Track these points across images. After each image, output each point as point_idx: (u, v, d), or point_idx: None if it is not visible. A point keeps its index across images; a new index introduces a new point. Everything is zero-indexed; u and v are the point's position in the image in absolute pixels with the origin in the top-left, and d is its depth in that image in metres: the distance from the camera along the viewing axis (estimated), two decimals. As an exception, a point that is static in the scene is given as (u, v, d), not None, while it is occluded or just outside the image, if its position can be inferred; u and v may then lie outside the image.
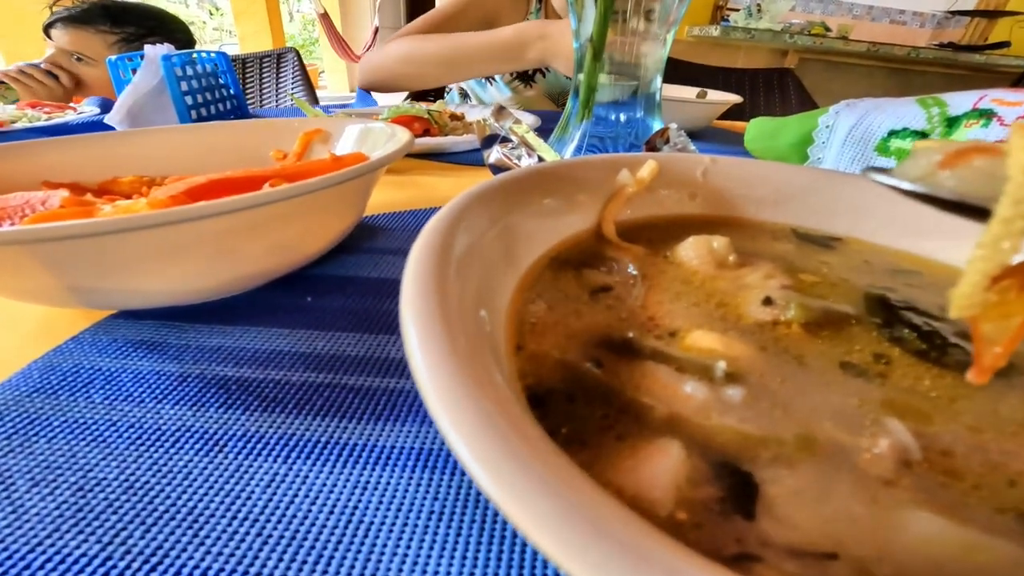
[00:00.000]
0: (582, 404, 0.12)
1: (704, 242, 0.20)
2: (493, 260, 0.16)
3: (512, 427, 0.08)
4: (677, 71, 1.31)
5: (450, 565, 0.13)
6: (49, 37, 1.14)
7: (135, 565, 0.13)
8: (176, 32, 1.27)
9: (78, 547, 0.13)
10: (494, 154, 0.37)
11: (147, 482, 0.15)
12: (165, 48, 0.60)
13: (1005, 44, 2.62)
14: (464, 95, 1.12)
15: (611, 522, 0.07)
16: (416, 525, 0.14)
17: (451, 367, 0.09)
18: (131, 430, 0.17)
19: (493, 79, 1.02)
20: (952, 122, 0.36)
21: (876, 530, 0.10)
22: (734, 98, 0.76)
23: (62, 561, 0.13)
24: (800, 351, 0.15)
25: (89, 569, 0.13)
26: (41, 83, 1.08)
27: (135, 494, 0.15)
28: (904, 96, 0.40)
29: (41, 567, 0.13)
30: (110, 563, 0.13)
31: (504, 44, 0.78)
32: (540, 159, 0.36)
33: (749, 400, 0.13)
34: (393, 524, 0.14)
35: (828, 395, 0.13)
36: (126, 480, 0.15)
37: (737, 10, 2.59)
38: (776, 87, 1.37)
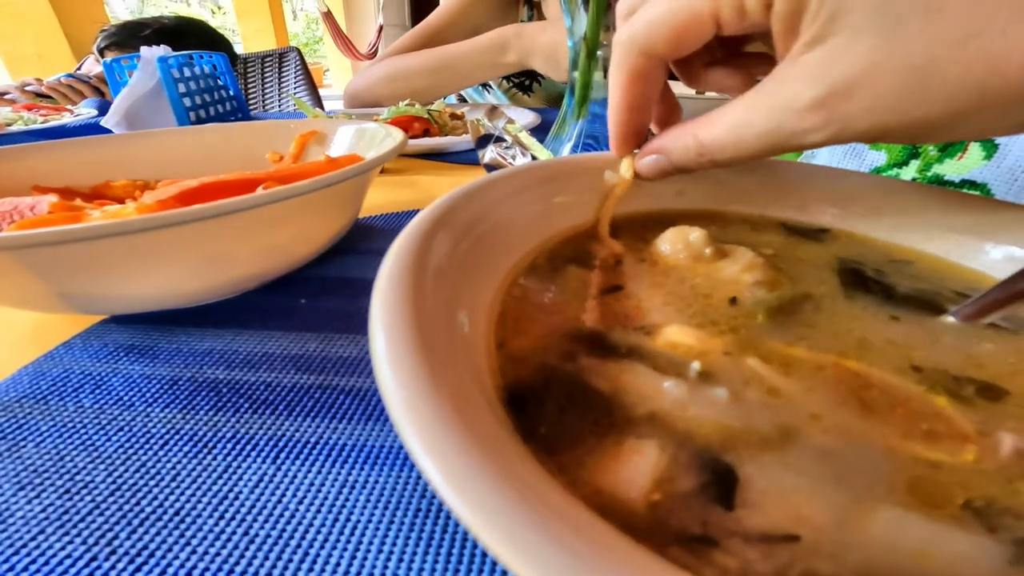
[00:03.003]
0: (561, 401, 0.12)
1: (682, 233, 0.20)
2: (477, 259, 0.16)
3: (472, 435, 0.08)
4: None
5: (435, 562, 0.13)
6: (103, 57, 1.16)
7: (120, 565, 0.13)
8: (223, 48, 1.28)
9: (63, 548, 0.13)
10: (488, 154, 0.37)
11: (134, 484, 0.15)
12: (161, 49, 0.60)
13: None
14: (463, 102, 1.12)
15: (563, 523, 0.07)
16: (403, 523, 0.14)
17: (412, 376, 0.09)
18: (120, 434, 0.17)
19: (490, 87, 1.02)
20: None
21: (847, 519, 0.10)
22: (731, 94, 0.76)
23: (46, 563, 0.13)
24: (771, 346, 0.15)
25: (73, 570, 0.13)
26: (86, 98, 1.09)
27: (122, 496, 0.15)
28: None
29: (25, 568, 0.13)
30: (95, 564, 0.13)
31: (483, 48, 0.79)
32: (534, 158, 0.36)
33: (725, 393, 0.13)
34: (380, 522, 0.14)
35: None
36: (113, 482, 0.15)
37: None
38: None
